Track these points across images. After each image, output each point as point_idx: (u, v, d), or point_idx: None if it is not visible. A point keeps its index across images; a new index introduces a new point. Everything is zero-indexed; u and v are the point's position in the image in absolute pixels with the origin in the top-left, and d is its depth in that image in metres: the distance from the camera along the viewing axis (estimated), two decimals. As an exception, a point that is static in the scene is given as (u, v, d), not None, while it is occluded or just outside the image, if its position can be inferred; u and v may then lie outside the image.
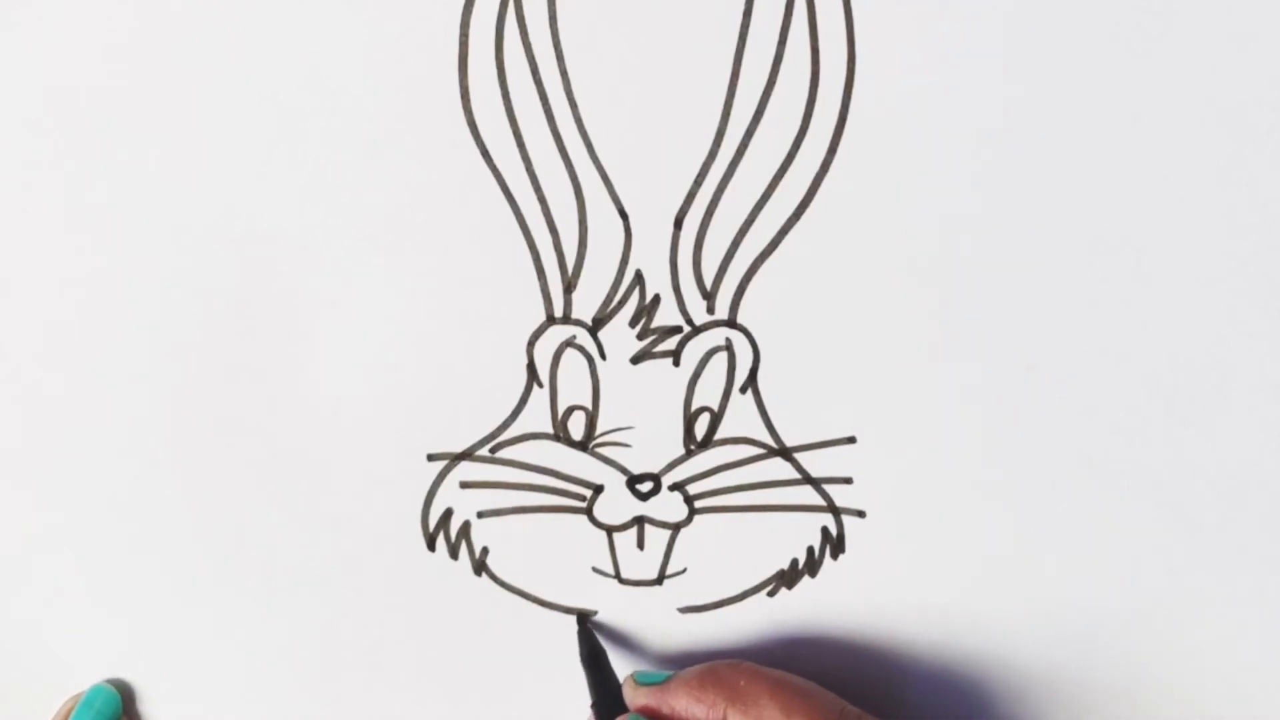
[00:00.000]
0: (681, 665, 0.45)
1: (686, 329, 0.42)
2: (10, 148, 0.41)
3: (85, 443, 0.44)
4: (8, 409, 0.43)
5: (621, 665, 0.46)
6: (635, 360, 0.43)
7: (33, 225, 0.41)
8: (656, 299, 0.42)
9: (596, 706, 0.43)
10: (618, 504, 0.44)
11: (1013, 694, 0.46)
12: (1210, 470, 0.43)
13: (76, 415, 0.43)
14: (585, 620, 0.45)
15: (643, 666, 0.46)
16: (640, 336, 0.42)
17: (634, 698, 0.43)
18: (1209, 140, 0.40)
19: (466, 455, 0.44)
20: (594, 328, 0.42)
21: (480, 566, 0.45)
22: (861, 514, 0.44)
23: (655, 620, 0.46)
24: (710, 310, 0.42)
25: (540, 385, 0.43)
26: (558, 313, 0.42)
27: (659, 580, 0.45)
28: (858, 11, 0.39)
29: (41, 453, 0.44)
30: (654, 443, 0.43)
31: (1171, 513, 0.44)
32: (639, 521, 0.44)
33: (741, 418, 0.43)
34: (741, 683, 0.41)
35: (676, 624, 0.45)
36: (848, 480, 0.44)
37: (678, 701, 0.42)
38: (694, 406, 0.43)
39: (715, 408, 0.43)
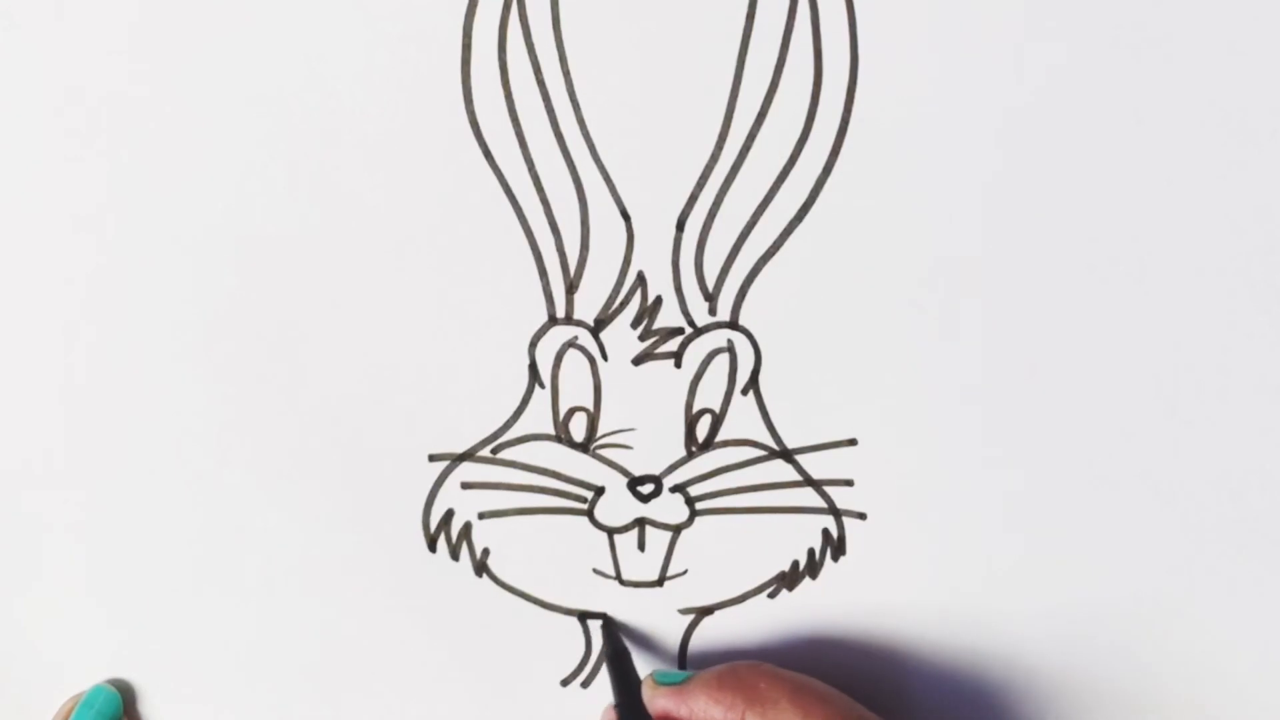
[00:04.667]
0: (682, 666, 0.45)
1: (688, 330, 0.42)
2: (11, 148, 0.41)
3: (86, 444, 0.44)
4: (8, 411, 0.43)
5: (644, 664, 0.46)
6: (637, 361, 0.43)
7: (34, 225, 0.41)
8: (658, 300, 0.42)
9: (619, 707, 0.43)
10: (619, 505, 0.44)
11: (1015, 695, 0.46)
12: (1212, 470, 0.43)
13: (77, 417, 0.43)
14: (610, 621, 0.45)
15: (635, 665, 0.46)
16: (642, 338, 0.42)
17: (653, 698, 0.42)
18: (1211, 142, 0.40)
19: (468, 456, 0.44)
20: (596, 329, 0.42)
21: (481, 568, 0.45)
22: (863, 516, 0.44)
23: (656, 621, 0.46)
24: (712, 312, 0.42)
25: (542, 386, 0.43)
26: (560, 313, 0.42)
27: (660, 582, 0.45)
28: (861, 14, 0.39)
29: (42, 454, 0.44)
30: (655, 444, 0.43)
31: (1174, 513, 0.44)
32: (640, 523, 0.44)
33: (743, 419, 0.43)
34: (761, 685, 0.41)
35: (677, 625, 0.45)
36: (849, 482, 0.44)
37: (696, 703, 0.41)
38: (695, 408, 0.43)
39: (716, 409, 0.43)
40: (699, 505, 0.44)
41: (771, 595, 0.45)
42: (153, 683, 0.46)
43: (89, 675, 0.46)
